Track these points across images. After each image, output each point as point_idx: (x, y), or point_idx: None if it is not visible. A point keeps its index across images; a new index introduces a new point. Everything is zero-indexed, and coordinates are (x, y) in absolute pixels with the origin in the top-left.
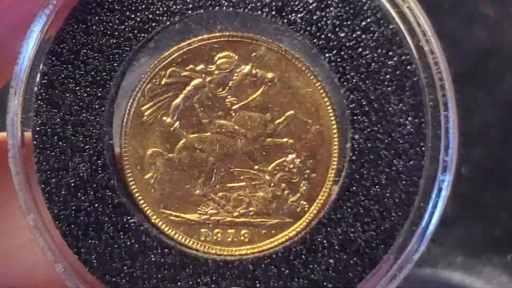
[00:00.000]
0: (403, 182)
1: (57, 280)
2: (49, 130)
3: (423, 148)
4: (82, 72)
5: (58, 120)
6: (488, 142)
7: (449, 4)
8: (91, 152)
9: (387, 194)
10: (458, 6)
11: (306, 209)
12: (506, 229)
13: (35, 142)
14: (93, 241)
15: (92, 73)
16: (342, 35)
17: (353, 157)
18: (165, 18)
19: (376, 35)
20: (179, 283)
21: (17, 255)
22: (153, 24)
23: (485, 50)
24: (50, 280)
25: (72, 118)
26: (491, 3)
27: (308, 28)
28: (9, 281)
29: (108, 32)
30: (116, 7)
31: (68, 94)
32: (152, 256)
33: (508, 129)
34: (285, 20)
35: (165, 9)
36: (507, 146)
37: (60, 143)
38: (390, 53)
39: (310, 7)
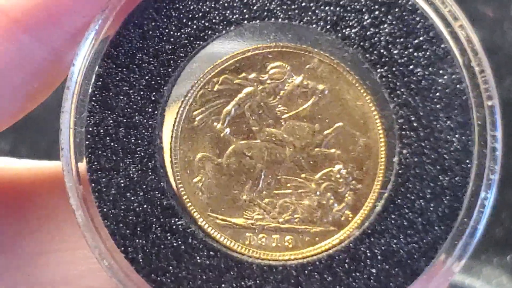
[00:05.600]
0: (448, 197)
1: None
2: (101, 130)
3: (468, 166)
4: (137, 76)
5: (111, 121)
6: None
7: None
8: (142, 154)
9: (431, 208)
10: (458, 6)
11: (350, 218)
12: (506, 229)
13: (87, 142)
14: (141, 241)
15: (147, 77)
16: (395, 52)
17: (400, 171)
18: (221, 27)
19: (428, 53)
20: (223, 285)
21: (77, 284)
22: (209, 32)
23: (485, 50)
24: None
25: (124, 120)
26: (491, 3)
27: (362, 43)
28: None
29: (164, 38)
30: (174, 14)
31: (122, 97)
32: (198, 258)
33: (508, 129)
34: (339, 34)
35: (221, 18)
36: (507, 146)
37: (112, 144)
38: (441, 72)
39: (365, 23)
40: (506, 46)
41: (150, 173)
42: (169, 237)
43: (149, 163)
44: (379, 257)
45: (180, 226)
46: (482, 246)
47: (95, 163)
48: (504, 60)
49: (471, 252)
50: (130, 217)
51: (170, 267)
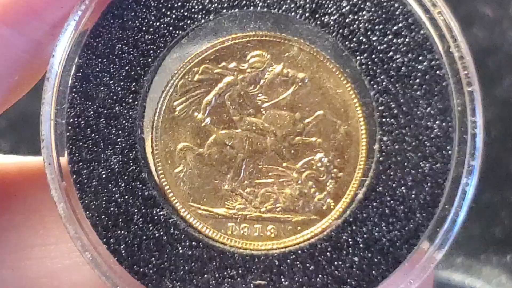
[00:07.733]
0: (429, 184)
1: None
2: (82, 122)
3: (449, 152)
4: (117, 66)
5: (92, 112)
6: (487, 142)
7: (449, 4)
8: (123, 145)
9: (413, 195)
10: (458, 6)
11: (332, 207)
12: (506, 229)
13: (68, 134)
14: (122, 232)
15: (127, 67)
16: (374, 38)
17: (381, 158)
18: (200, 16)
19: (407, 39)
20: (205, 276)
21: (62, 278)
22: (188, 21)
23: (484, 50)
24: None
25: (105, 111)
26: (491, 3)
27: (341, 31)
28: None
29: (144, 28)
30: (152, 4)
31: (102, 88)
32: (180, 248)
33: (508, 129)
34: (318, 22)
35: (200, 7)
36: (507, 146)
37: (93, 135)
38: (420, 58)
39: (343, 10)
40: (505, 46)
41: (131, 164)
42: (151, 228)
43: (130, 154)
44: (361, 245)
45: (161, 216)
46: (482, 246)
47: (76, 154)
48: (504, 60)
49: (452, 242)
50: (111, 208)
51: (152, 258)
